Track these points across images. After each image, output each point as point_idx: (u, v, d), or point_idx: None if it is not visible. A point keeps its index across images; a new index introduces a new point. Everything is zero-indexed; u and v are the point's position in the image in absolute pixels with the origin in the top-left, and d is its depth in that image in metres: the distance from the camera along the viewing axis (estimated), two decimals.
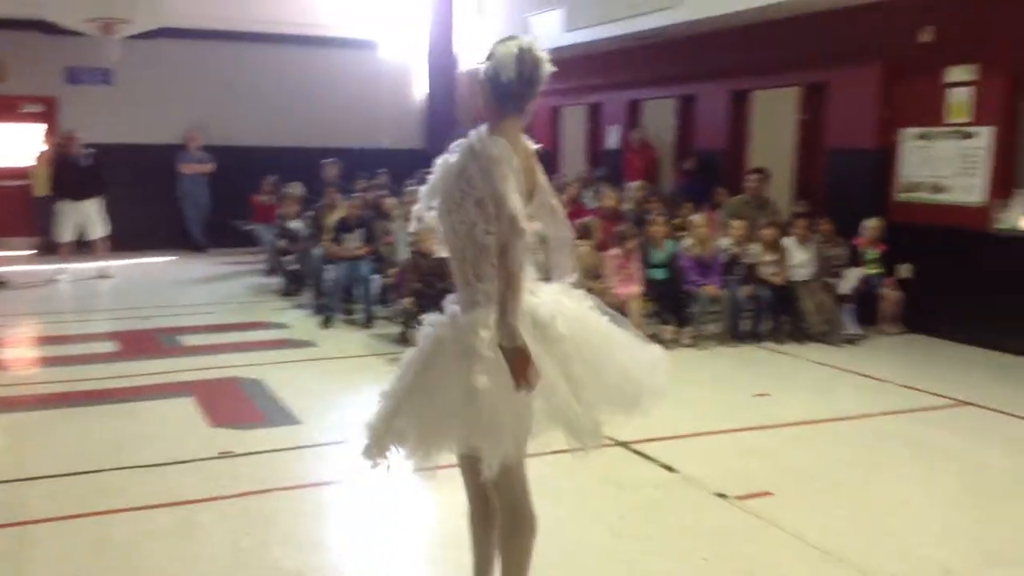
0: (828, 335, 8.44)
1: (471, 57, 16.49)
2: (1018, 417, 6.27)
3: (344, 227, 9.53)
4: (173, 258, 13.93)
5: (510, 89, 2.98)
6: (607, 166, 12.84)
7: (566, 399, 2.91)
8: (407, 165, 14.44)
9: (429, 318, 3.21)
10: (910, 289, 8.96)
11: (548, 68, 3.03)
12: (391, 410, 3.08)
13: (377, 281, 9.42)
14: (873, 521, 4.51)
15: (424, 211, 3.09)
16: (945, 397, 6.71)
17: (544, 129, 15.63)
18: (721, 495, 4.77)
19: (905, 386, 7.05)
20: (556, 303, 3.04)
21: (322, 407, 6.52)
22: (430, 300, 7.62)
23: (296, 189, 11.67)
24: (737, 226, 8.79)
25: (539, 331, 2.92)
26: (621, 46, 12.84)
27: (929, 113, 9.00)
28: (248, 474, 5.02)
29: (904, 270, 9.07)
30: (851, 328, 8.59)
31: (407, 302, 7.78)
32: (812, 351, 8.21)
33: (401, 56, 16.57)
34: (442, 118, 16.83)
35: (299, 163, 13.18)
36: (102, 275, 11.89)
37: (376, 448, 3.09)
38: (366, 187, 11.37)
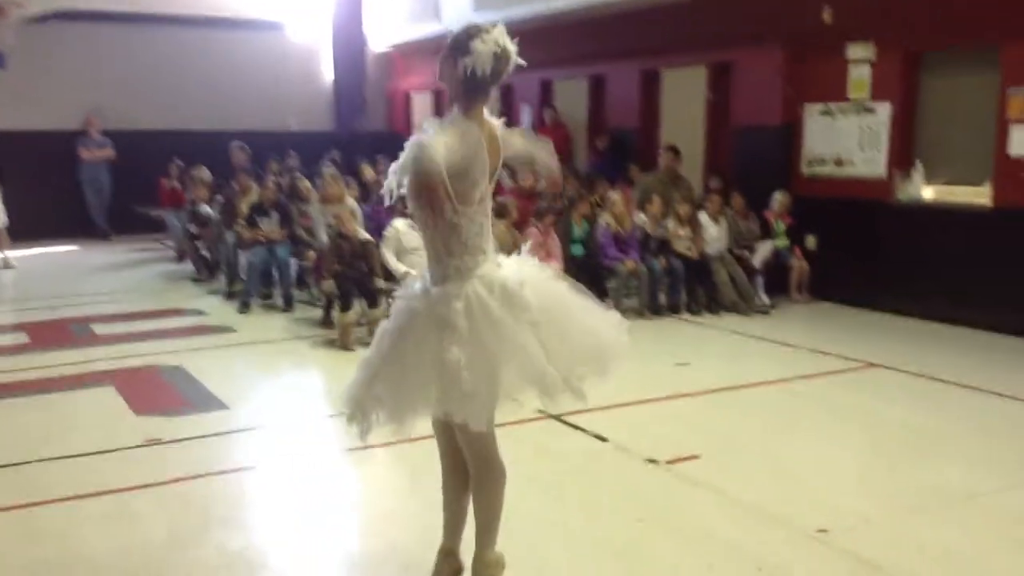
0: (741, 305, 8.73)
1: (379, 37, 16.37)
2: (921, 376, 6.62)
3: (259, 211, 9.40)
4: (76, 247, 13.51)
5: (483, 82, 3.08)
6: None
7: (539, 362, 3.04)
8: (316, 147, 14.34)
9: (402, 291, 3.30)
10: (817, 259, 9.32)
11: (517, 61, 3.13)
12: (369, 377, 3.17)
13: (294, 264, 9.34)
14: (794, 477, 4.72)
15: (395, 187, 3.12)
16: (853, 360, 7.03)
17: None
18: (651, 460, 4.92)
19: (815, 351, 7.36)
20: (521, 273, 3.17)
21: (248, 391, 6.48)
22: (352, 282, 7.65)
23: (204, 173, 11.44)
24: (654, 203, 8.98)
25: (508, 299, 3.06)
26: (532, 26, 12.91)
27: (831, 90, 9.34)
28: (180, 460, 4.96)
29: (811, 241, 9.43)
30: (763, 298, 8.90)
31: (328, 285, 7.74)
32: (727, 321, 8.49)
33: (308, 37, 16.34)
34: (351, 99, 16.68)
35: (205, 147, 12.92)
36: (4, 266, 11.47)
37: (360, 415, 3.19)
38: (279, 170, 11.21)
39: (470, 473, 3.28)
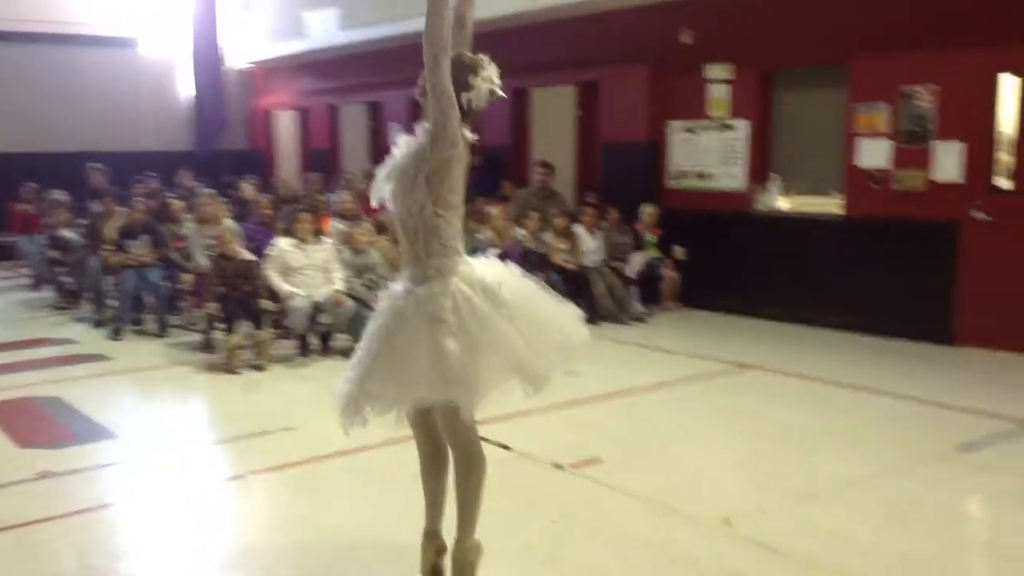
0: (619, 315, 9.06)
1: (239, 54, 16.08)
2: (791, 375, 7.07)
3: (128, 234, 9.10)
4: None
5: (476, 112, 3.39)
6: None
7: (522, 351, 3.28)
8: (175, 167, 13.93)
9: (386, 292, 3.45)
10: (685, 269, 9.77)
11: (500, 95, 3.44)
12: (362, 376, 3.35)
13: (165, 288, 9.06)
14: (692, 474, 4.99)
15: (380, 192, 3.38)
16: (728, 362, 7.43)
17: (322, 127, 15.53)
18: (557, 466, 5.09)
19: (692, 355, 7.73)
20: (496, 273, 3.42)
21: (135, 420, 6.30)
22: (236, 304, 7.52)
23: (62, 196, 10.96)
24: (532, 218, 9.22)
25: (489, 296, 3.31)
26: (400, 44, 12.99)
27: (693, 108, 9.84)
28: (76, 491, 4.80)
29: (679, 252, 9.88)
30: (638, 307, 9.27)
31: (212, 307, 7.58)
32: (606, 331, 8.78)
33: (163, 54, 15.89)
34: (210, 117, 16.31)
35: (58, 169, 12.40)
36: None
37: (353, 411, 3.37)
38: (147, 192, 10.87)
39: (455, 463, 3.50)
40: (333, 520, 4.43)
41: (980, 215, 7.72)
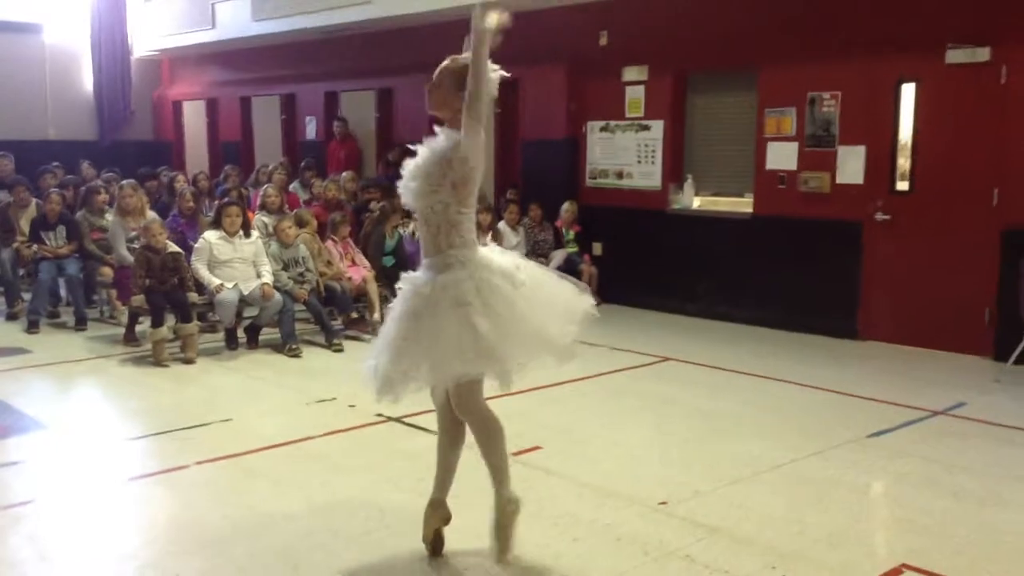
0: None
1: (145, 42, 15.72)
2: (709, 367, 7.43)
3: (43, 225, 8.90)
4: None
5: (488, 104, 3.64)
6: (307, 156, 12.87)
7: (541, 325, 3.64)
8: (78, 157, 13.60)
9: (408, 279, 3.75)
10: (604, 265, 10.08)
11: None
12: (395, 356, 3.63)
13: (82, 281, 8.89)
14: (628, 459, 5.26)
15: (405, 190, 3.71)
16: (650, 355, 7.75)
17: (233, 118, 15.33)
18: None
19: (615, 348, 8.01)
20: (510, 259, 3.78)
21: (66, 412, 6.25)
22: (163, 296, 7.47)
23: None
24: None
25: (507, 278, 3.64)
26: (314, 36, 12.97)
27: (611, 108, 10.15)
28: (11, 484, 4.77)
29: (597, 248, 10.18)
30: None
31: (138, 299, 7.50)
32: None
33: (67, 40, 15.41)
34: (114, 106, 15.93)
35: None
36: None
37: (388, 389, 3.67)
38: (62, 183, 10.59)
39: (474, 435, 3.81)
40: (285, 507, 4.52)
41: (881, 215, 8.23)
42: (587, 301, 3.84)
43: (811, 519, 4.44)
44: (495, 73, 3.64)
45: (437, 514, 3.98)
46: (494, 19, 3.49)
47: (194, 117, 16.31)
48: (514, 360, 3.60)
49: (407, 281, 3.75)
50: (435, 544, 3.99)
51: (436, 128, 3.79)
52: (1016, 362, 7.03)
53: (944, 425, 5.97)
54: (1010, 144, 7.42)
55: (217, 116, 15.79)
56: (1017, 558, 4.03)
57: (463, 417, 3.80)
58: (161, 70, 16.75)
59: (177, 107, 16.65)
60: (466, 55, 3.62)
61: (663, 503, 4.57)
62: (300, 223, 8.61)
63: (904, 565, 3.92)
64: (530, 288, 3.66)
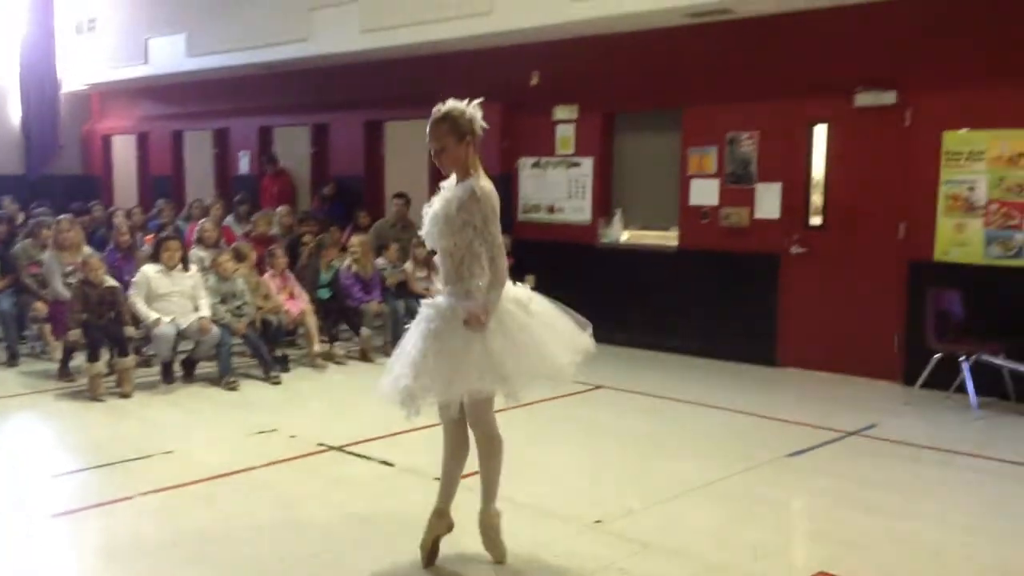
0: None
1: (75, 76, 15.62)
2: (640, 394, 7.75)
3: None
4: None
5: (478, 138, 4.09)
6: (240, 191, 12.93)
7: (548, 350, 4.10)
8: (4, 191, 13.45)
9: (430, 304, 4.14)
10: None
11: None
12: (417, 373, 4.01)
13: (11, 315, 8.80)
14: (563, 482, 5.50)
15: (428, 235, 4.15)
16: (583, 383, 8.00)
17: (165, 153, 15.31)
18: (439, 479, 5.46)
19: None
20: (525, 291, 4.28)
21: (5, 446, 6.22)
22: (100, 331, 7.51)
23: None
24: (390, 248, 9.58)
25: (522, 307, 4.15)
26: (248, 73, 13.10)
27: (542, 145, 10.50)
28: None
29: (529, 281, 10.41)
30: None
31: (75, 334, 7.51)
32: None
33: None
34: (43, 140, 15.77)
35: None
36: None
37: (411, 402, 4.04)
38: None
39: (478, 447, 4.23)
40: (234, 533, 4.65)
41: (797, 249, 8.69)
42: (588, 336, 4.28)
43: (736, 532, 4.73)
44: (476, 109, 4.07)
45: (442, 522, 4.30)
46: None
47: (124, 151, 16.23)
48: (522, 380, 4.02)
49: (429, 306, 4.14)
50: (432, 551, 4.28)
51: (443, 184, 4.21)
52: (923, 386, 7.47)
53: (857, 445, 6.35)
54: (914, 182, 7.94)
55: (148, 150, 15.74)
56: (924, 565, 4.37)
57: (474, 430, 4.20)
58: (91, 104, 16.63)
59: (107, 141, 16.55)
60: (449, 104, 4.06)
61: (598, 521, 4.83)
62: (239, 257, 8.72)
63: (822, 573, 4.23)
64: (540, 317, 4.15)
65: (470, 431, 4.25)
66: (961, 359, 7.15)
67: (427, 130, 4.09)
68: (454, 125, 4.01)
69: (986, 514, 5.03)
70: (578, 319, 4.33)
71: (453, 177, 4.13)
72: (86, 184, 16.01)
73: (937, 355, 7.31)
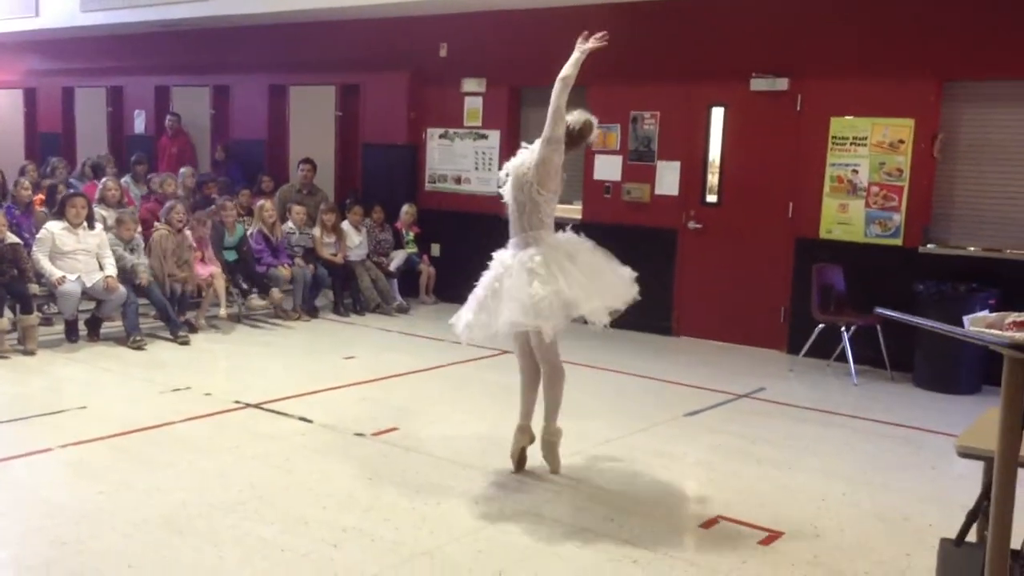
0: (383, 306, 9.69)
1: None
2: None
3: None
4: None
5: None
6: (136, 151, 12.62)
7: (589, 296, 4.76)
8: None
9: (497, 255, 5.02)
10: (441, 265, 10.57)
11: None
12: (477, 308, 4.90)
13: None
14: (477, 438, 5.74)
15: (506, 184, 4.99)
16: (490, 349, 8.23)
17: (54, 110, 14.80)
18: (359, 434, 5.67)
19: (456, 343, 8.36)
20: (577, 240, 5.02)
21: None
22: (2, 287, 7.37)
23: None
24: (298, 211, 9.62)
25: (571, 256, 4.83)
26: (144, 30, 12.79)
27: (450, 116, 10.67)
28: None
29: (436, 249, 10.66)
30: (399, 300, 9.94)
31: None
32: (372, 320, 9.40)
33: None
34: None
35: None
36: None
37: (468, 331, 4.96)
38: None
39: (544, 375, 5.01)
40: (159, 483, 4.74)
41: (693, 224, 9.14)
42: (632, 286, 4.95)
43: (641, 482, 5.10)
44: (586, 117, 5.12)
45: (525, 436, 5.11)
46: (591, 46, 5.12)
47: (9, 107, 15.59)
48: (568, 316, 4.74)
49: (497, 256, 5.00)
50: (520, 459, 5.10)
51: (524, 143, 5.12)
52: (807, 354, 8.03)
53: (747, 406, 6.83)
54: (803, 164, 8.47)
55: (36, 106, 15.17)
56: (810, 511, 4.81)
57: (541, 361, 4.98)
58: None
59: None
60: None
61: (513, 472, 5.11)
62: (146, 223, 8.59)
63: (720, 516, 4.62)
64: (591, 265, 4.84)
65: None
66: (842, 329, 7.73)
67: None
68: (578, 135, 5.01)
69: (863, 467, 5.53)
70: (624, 272, 4.99)
71: (537, 142, 4.90)
72: None
73: (820, 326, 7.87)
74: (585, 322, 4.97)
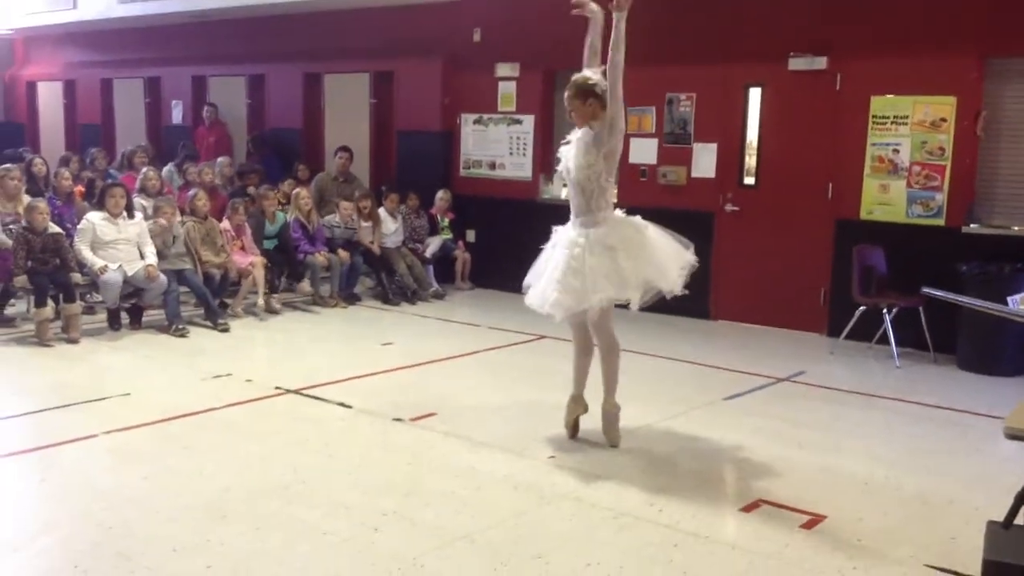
0: (420, 292, 9.72)
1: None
2: None
3: None
4: None
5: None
6: (180, 141, 12.73)
7: (665, 266, 5.08)
8: None
9: (562, 231, 5.23)
10: (476, 251, 10.57)
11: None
12: (563, 288, 4.96)
13: None
14: (515, 422, 5.74)
15: (566, 169, 5.11)
16: (527, 333, 8.28)
17: (93, 101, 14.98)
18: (398, 419, 5.69)
19: (494, 328, 8.52)
20: (639, 219, 5.22)
21: None
22: (46, 277, 7.48)
23: None
24: (345, 207, 9.62)
25: (639, 232, 5.11)
26: (181, 20, 12.88)
27: (484, 102, 10.65)
28: None
29: (471, 235, 10.67)
30: (435, 286, 9.96)
31: (21, 280, 7.45)
32: (409, 307, 9.44)
33: None
34: None
35: None
36: None
37: (559, 308, 5.04)
38: None
39: (600, 349, 5.25)
40: (202, 468, 4.80)
41: (731, 207, 9.06)
42: (690, 253, 5.18)
43: (681, 466, 5.08)
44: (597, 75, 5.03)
45: (578, 405, 5.39)
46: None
47: (50, 99, 15.81)
48: (644, 288, 4.99)
49: (561, 233, 5.20)
50: (574, 427, 5.39)
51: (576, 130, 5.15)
52: (847, 337, 7.93)
53: (787, 389, 6.77)
54: (842, 144, 8.35)
55: (75, 98, 15.37)
56: (853, 494, 4.75)
57: (597, 336, 5.20)
58: (14, 49, 16.13)
59: (31, 88, 16.09)
60: (585, 72, 5.07)
61: (552, 456, 5.11)
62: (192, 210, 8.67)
63: (761, 500, 4.58)
64: (655, 240, 5.08)
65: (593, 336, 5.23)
66: (884, 311, 7.62)
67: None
68: (582, 90, 4.97)
69: (906, 450, 5.46)
70: (682, 240, 5.21)
71: (584, 129, 5.03)
72: (9, 131, 15.55)
73: (861, 308, 7.77)
74: (625, 306, 5.08)
